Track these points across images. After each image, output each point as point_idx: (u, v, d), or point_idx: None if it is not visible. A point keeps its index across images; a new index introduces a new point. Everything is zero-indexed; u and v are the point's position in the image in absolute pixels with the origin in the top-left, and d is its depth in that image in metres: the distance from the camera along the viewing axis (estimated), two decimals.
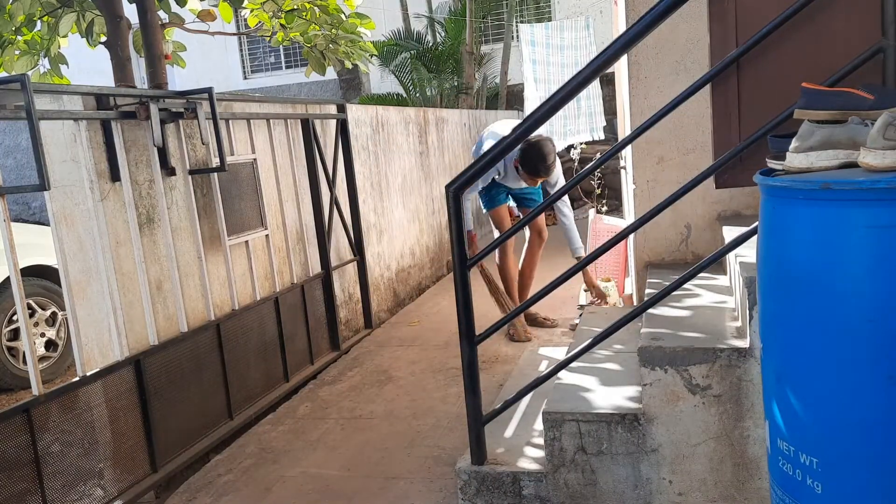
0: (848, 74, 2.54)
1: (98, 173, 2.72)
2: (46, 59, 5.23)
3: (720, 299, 2.60)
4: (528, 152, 4.03)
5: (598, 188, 7.24)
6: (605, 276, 4.57)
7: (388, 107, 6.04)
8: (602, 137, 7.73)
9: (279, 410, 3.61)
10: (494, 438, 2.50)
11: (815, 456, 1.48)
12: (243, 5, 5.26)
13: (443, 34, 12.17)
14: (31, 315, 4.45)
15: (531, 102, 7.07)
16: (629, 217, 3.80)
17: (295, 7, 5.26)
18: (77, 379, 2.62)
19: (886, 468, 1.42)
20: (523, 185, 4.34)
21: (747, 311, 2.07)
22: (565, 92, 2.22)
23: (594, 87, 7.49)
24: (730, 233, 2.57)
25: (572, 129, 7.31)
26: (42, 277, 4.55)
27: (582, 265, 2.34)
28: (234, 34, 8.81)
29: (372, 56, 5.93)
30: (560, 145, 7.38)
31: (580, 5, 12.72)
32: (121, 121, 2.79)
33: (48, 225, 2.65)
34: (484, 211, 4.56)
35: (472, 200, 5.01)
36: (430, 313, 5.30)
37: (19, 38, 5.11)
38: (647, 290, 2.68)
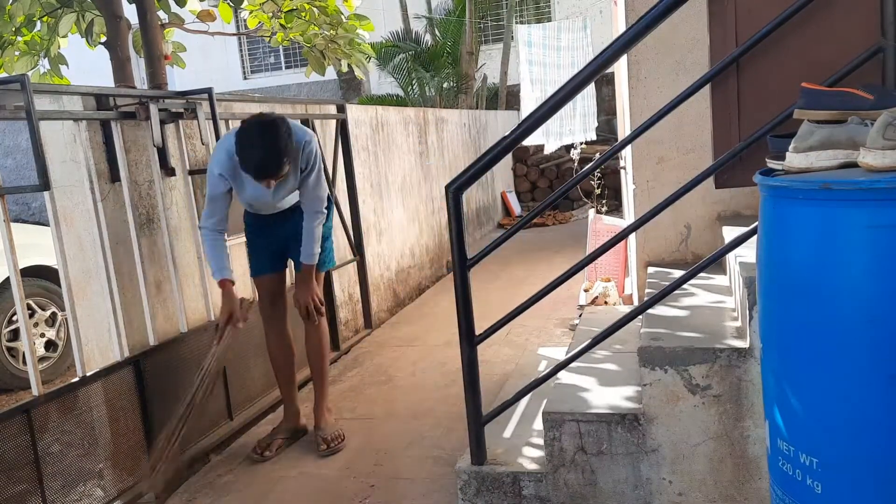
0: (848, 74, 2.54)
1: (98, 173, 2.72)
2: (46, 59, 5.24)
3: (720, 299, 2.60)
4: (243, 147, 2.64)
5: (598, 188, 7.24)
6: (605, 276, 4.57)
7: (388, 107, 6.04)
8: (594, 138, 7.74)
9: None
10: (494, 438, 2.50)
11: (815, 456, 1.48)
12: (243, 6, 5.26)
13: (441, 35, 12.15)
14: (31, 315, 4.45)
15: (527, 103, 7.08)
16: (629, 217, 3.80)
17: (294, 7, 5.26)
18: (77, 379, 2.62)
19: (887, 468, 1.42)
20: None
21: (747, 311, 2.07)
22: (565, 92, 2.23)
23: (589, 88, 7.50)
24: (730, 233, 2.57)
25: (569, 130, 7.33)
26: (42, 277, 4.54)
27: (581, 265, 2.34)
28: (233, 34, 8.82)
29: (369, 58, 5.92)
30: (556, 145, 7.38)
31: (580, 5, 12.73)
32: (121, 121, 2.79)
33: (48, 225, 2.65)
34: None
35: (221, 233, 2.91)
36: (429, 313, 5.30)
37: (19, 38, 5.12)
38: (647, 290, 2.68)
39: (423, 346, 4.47)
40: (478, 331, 2.33)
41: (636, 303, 3.65)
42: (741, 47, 2.58)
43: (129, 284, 2.84)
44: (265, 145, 2.62)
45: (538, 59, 7.20)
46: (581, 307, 4.40)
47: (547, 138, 7.13)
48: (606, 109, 8.19)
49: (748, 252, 2.14)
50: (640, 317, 2.36)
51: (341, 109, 4.72)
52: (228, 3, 5.14)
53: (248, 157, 2.63)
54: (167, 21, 4.92)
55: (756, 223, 1.82)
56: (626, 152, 3.32)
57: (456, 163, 7.58)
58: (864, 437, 1.43)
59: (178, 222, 3.13)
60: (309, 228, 2.99)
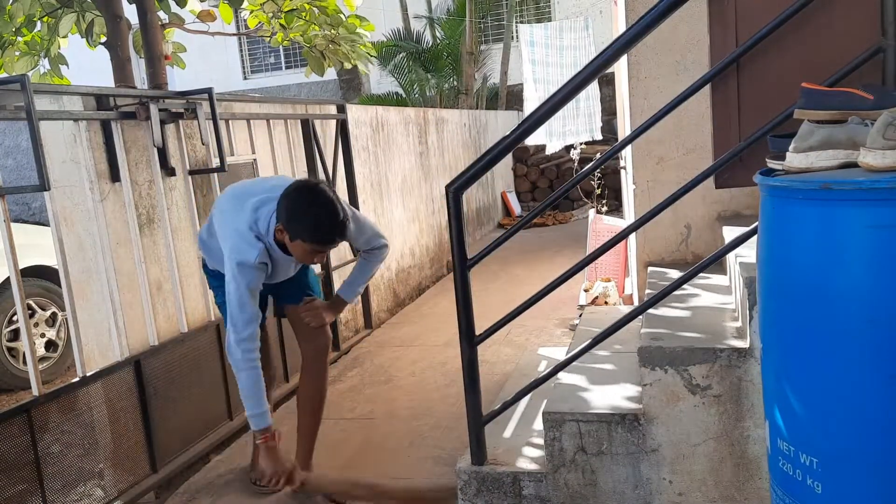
0: (848, 74, 2.54)
1: (98, 173, 2.72)
2: (46, 59, 5.24)
3: (720, 299, 2.60)
4: (302, 211, 2.32)
5: (598, 188, 7.24)
6: (605, 276, 4.57)
7: (388, 107, 6.04)
8: (599, 138, 7.74)
9: (279, 411, 3.60)
10: (494, 439, 2.50)
11: (815, 456, 1.48)
12: (243, 6, 5.26)
13: (441, 35, 12.16)
14: (31, 315, 4.45)
15: (530, 103, 7.08)
16: (629, 217, 3.80)
17: (294, 7, 5.26)
18: (77, 379, 2.63)
19: (887, 468, 1.42)
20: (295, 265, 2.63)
21: (747, 311, 2.07)
22: (565, 92, 2.22)
23: (592, 88, 7.50)
24: (730, 233, 2.57)
25: (571, 130, 7.32)
26: (42, 278, 4.54)
27: (581, 265, 2.34)
28: (233, 35, 8.82)
29: (372, 57, 5.93)
30: (558, 145, 7.38)
31: (580, 5, 12.73)
32: (121, 121, 2.79)
33: (48, 225, 2.65)
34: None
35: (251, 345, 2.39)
36: (429, 313, 5.30)
37: (19, 38, 5.12)
38: (647, 291, 2.68)
39: (423, 346, 4.47)
40: (478, 331, 2.33)
41: (636, 303, 3.65)
42: (741, 47, 2.58)
43: (130, 284, 2.84)
44: (336, 207, 2.34)
45: (541, 58, 7.20)
46: (581, 307, 4.40)
47: (549, 138, 7.13)
48: (606, 109, 8.19)
49: (748, 252, 2.14)
50: (640, 317, 2.36)
51: (341, 109, 4.72)
52: (228, 4, 5.13)
53: (330, 225, 2.34)
54: (167, 21, 4.92)
55: (756, 223, 1.82)
56: (626, 152, 3.32)
57: (456, 163, 7.59)
58: (864, 436, 1.43)
59: (179, 222, 3.13)
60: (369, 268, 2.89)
